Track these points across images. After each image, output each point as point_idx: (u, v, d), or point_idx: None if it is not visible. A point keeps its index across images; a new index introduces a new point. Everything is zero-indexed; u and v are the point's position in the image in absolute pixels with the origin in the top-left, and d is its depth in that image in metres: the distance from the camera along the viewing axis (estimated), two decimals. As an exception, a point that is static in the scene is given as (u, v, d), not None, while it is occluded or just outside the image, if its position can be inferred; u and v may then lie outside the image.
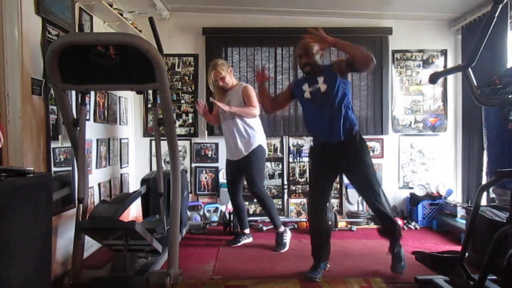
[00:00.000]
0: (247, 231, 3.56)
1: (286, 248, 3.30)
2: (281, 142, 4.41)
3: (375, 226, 4.03)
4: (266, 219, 3.78)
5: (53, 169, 2.65)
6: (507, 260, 1.73)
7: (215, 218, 4.12)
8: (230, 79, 3.37)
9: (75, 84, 2.38)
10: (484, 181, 3.74)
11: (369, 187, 2.61)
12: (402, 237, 2.71)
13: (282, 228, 3.39)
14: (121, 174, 4.01)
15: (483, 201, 3.27)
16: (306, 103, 2.69)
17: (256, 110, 3.28)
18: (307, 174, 4.41)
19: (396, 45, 4.39)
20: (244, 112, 3.27)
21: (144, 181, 3.47)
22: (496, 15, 1.78)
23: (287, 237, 3.38)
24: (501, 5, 1.76)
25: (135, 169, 4.39)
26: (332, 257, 3.03)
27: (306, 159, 4.43)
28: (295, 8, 4.15)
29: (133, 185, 4.30)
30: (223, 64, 3.34)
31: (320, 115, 2.60)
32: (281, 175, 4.40)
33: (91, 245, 3.07)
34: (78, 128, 2.52)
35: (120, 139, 4.01)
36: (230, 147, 3.41)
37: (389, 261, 2.87)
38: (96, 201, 3.28)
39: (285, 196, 4.41)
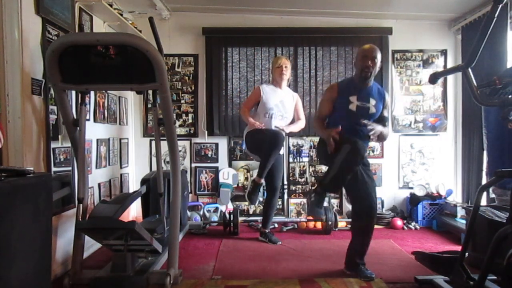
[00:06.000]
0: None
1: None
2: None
3: (376, 226, 4.03)
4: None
5: (53, 169, 2.65)
6: (507, 260, 1.73)
7: (215, 218, 4.12)
8: (289, 75, 3.55)
9: (75, 84, 2.37)
10: (484, 181, 3.74)
11: (373, 187, 2.69)
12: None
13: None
14: (121, 174, 4.01)
15: (483, 201, 3.27)
16: (346, 113, 2.63)
17: (304, 122, 3.65)
18: (307, 174, 4.42)
19: (396, 45, 4.39)
20: (299, 128, 3.62)
21: (144, 181, 3.47)
22: (496, 15, 1.79)
23: None
24: (501, 5, 1.76)
25: (135, 169, 4.39)
26: (332, 257, 3.04)
27: (306, 159, 4.43)
28: (295, 8, 4.15)
29: (133, 185, 4.30)
30: (289, 61, 3.60)
31: (355, 132, 2.59)
32: (281, 175, 4.40)
33: (91, 245, 3.07)
34: (78, 128, 2.52)
35: (120, 139, 4.01)
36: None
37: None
38: (96, 201, 3.28)
39: (285, 196, 4.41)
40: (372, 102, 2.63)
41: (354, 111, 2.61)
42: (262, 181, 3.39)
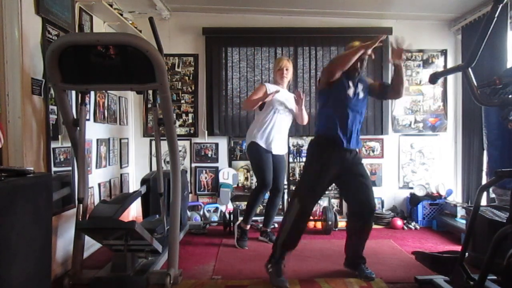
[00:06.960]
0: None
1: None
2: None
3: (375, 226, 4.04)
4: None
5: (53, 169, 2.65)
6: (507, 260, 1.73)
7: (215, 218, 4.12)
8: (290, 77, 3.53)
9: (75, 84, 2.37)
10: (484, 181, 3.74)
11: (371, 187, 2.69)
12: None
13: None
14: (121, 174, 4.01)
15: (483, 201, 3.27)
16: (344, 99, 2.57)
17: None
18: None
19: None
20: (306, 116, 3.55)
21: (144, 181, 3.47)
22: (496, 15, 1.78)
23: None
24: (501, 5, 1.76)
25: (135, 169, 4.39)
26: (332, 257, 3.04)
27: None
28: (295, 8, 4.16)
29: (133, 185, 4.30)
30: (291, 62, 3.58)
31: (350, 119, 2.56)
32: (281, 175, 4.40)
33: (91, 245, 3.07)
34: (78, 128, 2.52)
35: (120, 139, 4.01)
36: (271, 138, 3.39)
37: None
38: (96, 201, 3.28)
39: (285, 196, 4.40)
40: (360, 86, 2.64)
41: (351, 97, 2.59)
42: (248, 226, 3.46)
